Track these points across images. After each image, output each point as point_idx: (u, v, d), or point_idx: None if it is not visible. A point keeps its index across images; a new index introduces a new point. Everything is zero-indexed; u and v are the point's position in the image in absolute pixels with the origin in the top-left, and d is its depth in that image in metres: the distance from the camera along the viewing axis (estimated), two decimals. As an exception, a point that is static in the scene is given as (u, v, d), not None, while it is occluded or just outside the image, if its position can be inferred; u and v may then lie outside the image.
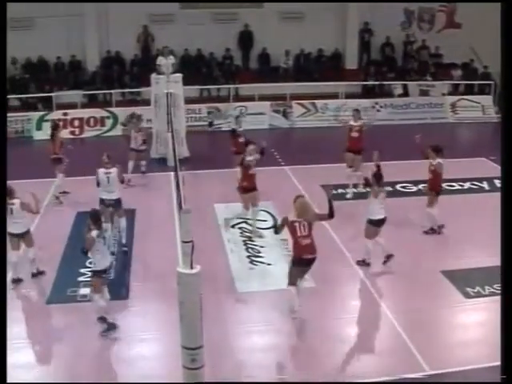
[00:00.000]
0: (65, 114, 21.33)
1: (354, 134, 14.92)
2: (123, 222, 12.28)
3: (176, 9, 24.25)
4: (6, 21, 9.07)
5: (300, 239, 9.43)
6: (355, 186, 14.90)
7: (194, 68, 23.78)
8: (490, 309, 10.14)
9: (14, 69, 22.43)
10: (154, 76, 18.05)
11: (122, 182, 12.39)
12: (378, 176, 11.48)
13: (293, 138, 21.04)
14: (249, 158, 12.42)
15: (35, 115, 21.26)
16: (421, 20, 26.85)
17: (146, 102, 19.79)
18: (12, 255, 10.57)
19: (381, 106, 23.59)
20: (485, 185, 15.93)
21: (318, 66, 25.36)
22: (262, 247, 12.27)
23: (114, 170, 11.95)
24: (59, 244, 12.19)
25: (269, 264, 11.59)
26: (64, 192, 14.74)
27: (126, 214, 12.40)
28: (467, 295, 10.46)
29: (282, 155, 17.70)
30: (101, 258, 9.30)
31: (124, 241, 12.28)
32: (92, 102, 23.00)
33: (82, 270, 11.14)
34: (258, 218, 13.27)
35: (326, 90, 23.78)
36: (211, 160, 17.89)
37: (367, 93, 24.99)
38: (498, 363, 8.47)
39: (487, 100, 24.52)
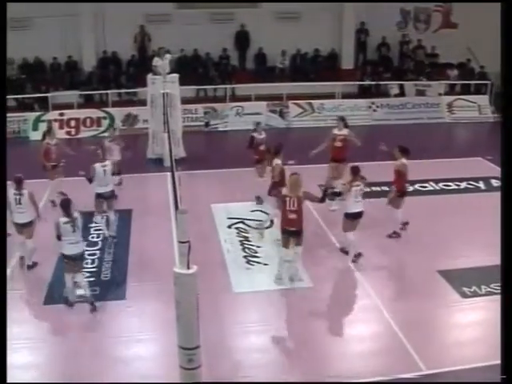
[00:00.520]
0: (61, 115, 21.31)
1: (338, 144, 14.14)
2: (113, 215, 12.81)
3: (172, 9, 24.25)
4: (5, 21, 9.07)
5: (287, 212, 10.45)
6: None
7: (191, 68, 23.76)
8: (486, 308, 10.18)
9: (10, 69, 22.35)
10: (150, 76, 18.02)
11: (114, 174, 13.00)
12: (354, 170, 11.63)
13: (289, 138, 20.97)
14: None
15: (31, 115, 21.24)
16: (417, 20, 26.89)
17: (143, 103, 19.78)
18: (28, 242, 11.15)
19: (377, 106, 23.63)
20: (481, 184, 15.94)
21: (314, 66, 25.38)
22: (258, 247, 12.26)
23: (108, 163, 12.60)
24: (55, 245, 12.14)
25: (265, 264, 11.58)
26: (61, 193, 14.65)
27: (122, 214, 12.48)
28: (464, 295, 10.48)
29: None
30: (68, 245, 9.86)
31: (113, 233, 12.75)
32: (88, 102, 22.99)
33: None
34: (254, 218, 13.32)
35: (322, 90, 23.78)
36: (208, 160, 17.88)
37: (363, 93, 25.02)
38: (495, 362, 8.50)
39: (483, 100, 24.55)
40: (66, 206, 9.91)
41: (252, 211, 13.92)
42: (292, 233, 10.54)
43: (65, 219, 9.81)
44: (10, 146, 11.60)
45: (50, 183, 14.32)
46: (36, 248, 11.31)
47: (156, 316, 9.78)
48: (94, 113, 21.67)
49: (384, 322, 9.67)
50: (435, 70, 25.71)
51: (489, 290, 10.59)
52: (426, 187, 15.66)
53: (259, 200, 14.16)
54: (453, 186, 15.81)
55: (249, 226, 13.26)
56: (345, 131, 14.25)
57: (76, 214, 9.98)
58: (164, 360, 8.58)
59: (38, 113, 21.37)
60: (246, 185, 15.29)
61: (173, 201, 11.42)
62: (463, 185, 15.92)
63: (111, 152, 14.44)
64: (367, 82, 25.17)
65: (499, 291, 10.49)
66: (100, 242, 12.51)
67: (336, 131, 14.30)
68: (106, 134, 15.93)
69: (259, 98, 22.97)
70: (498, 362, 8.49)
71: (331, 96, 23.72)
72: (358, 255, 11.60)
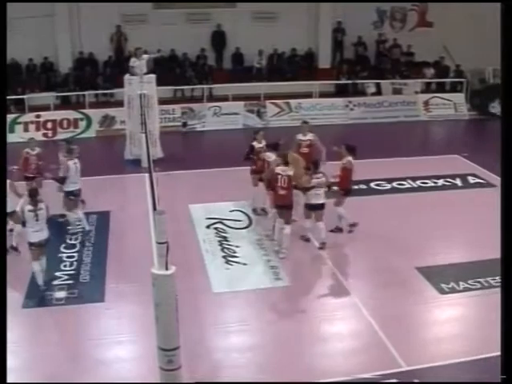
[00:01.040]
0: (37, 116, 21.11)
1: (304, 150, 13.50)
2: (81, 212, 12.96)
3: (149, 9, 24.13)
4: (5, 21, 8.96)
5: (278, 188, 11.51)
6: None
7: (168, 68, 23.68)
8: (464, 304, 10.28)
9: (-15, 71, 22.16)
10: (127, 77, 17.92)
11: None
12: (314, 163, 11.94)
13: (267, 137, 20.93)
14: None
15: (8, 118, 21.01)
16: (393, 19, 27.02)
17: (120, 104, 19.67)
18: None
19: (354, 105, 23.69)
20: (458, 181, 16.05)
21: (291, 66, 25.40)
22: (237, 247, 12.25)
23: (77, 161, 12.75)
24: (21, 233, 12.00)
25: (244, 264, 11.58)
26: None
27: (100, 215, 12.46)
28: (442, 291, 10.54)
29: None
30: (33, 233, 10.24)
31: (87, 228, 12.91)
32: (65, 103, 22.80)
33: (57, 274, 11.07)
34: (233, 218, 13.33)
35: (299, 89, 23.82)
36: (185, 160, 17.83)
37: (340, 92, 25.10)
38: (475, 357, 8.64)
39: (459, 98, 24.74)
40: (33, 194, 10.29)
41: (231, 211, 13.91)
42: (281, 207, 11.63)
43: (30, 207, 10.18)
44: (-15, 148, 11.45)
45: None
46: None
47: (135, 317, 9.73)
48: (70, 114, 21.47)
49: (363, 320, 9.71)
50: (411, 68, 25.88)
51: (466, 286, 10.67)
52: (403, 185, 15.73)
53: (258, 212, 13.68)
54: (430, 183, 15.91)
55: (227, 226, 13.24)
56: (310, 136, 13.75)
57: (42, 206, 10.27)
58: (144, 362, 8.53)
59: (14, 115, 21.14)
60: (224, 185, 15.32)
61: (151, 202, 11.37)
62: (440, 182, 16.02)
63: (29, 165, 13.38)
64: (344, 81, 25.25)
65: (477, 287, 10.63)
66: (78, 245, 12.42)
67: (301, 137, 13.69)
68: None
69: (237, 98, 22.94)
70: (478, 356, 8.66)
71: (308, 95, 23.76)
72: (323, 244, 12.01)
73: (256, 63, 25.24)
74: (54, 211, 11.85)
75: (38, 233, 10.29)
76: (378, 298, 10.33)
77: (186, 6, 24.14)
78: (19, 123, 20.40)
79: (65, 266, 11.43)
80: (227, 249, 12.22)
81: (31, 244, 10.35)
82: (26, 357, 8.94)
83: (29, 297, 10.43)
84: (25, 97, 21.74)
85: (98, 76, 23.62)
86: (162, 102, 19.96)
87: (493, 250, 11.75)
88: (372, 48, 26.56)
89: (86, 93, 22.36)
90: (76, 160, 12.69)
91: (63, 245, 12.29)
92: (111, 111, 21.46)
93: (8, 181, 11.05)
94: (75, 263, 11.64)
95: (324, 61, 26.20)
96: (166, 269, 7.03)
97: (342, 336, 9.49)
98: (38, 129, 20.76)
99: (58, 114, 21.42)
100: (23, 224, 10.31)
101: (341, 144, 12.81)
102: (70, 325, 9.60)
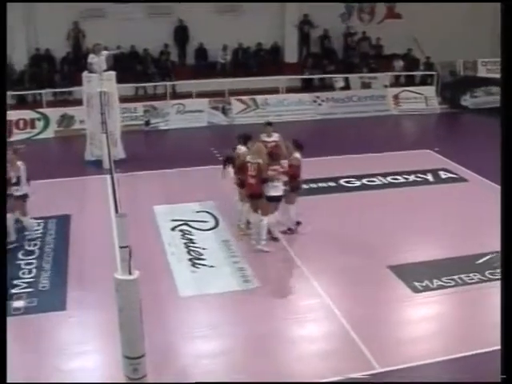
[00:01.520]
0: (-9, 117, 20.80)
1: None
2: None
3: (107, 3, 23.92)
4: (5, 21, 8.97)
5: (248, 177, 11.80)
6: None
7: (128, 65, 23.53)
8: (439, 302, 10.37)
9: None
10: (85, 74, 17.73)
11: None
12: (271, 156, 12.00)
13: (233, 135, 20.89)
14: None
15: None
16: (361, 11, 27.22)
17: (79, 102, 19.47)
18: None
19: (322, 100, 23.79)
20: (429, 177, 16.20)
21: (256, 61, 25.46)
22: (204, 249, 12.20)
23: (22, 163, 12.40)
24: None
25: (211, 266, 11.54)
26: None
27: (60, 220, 12.27)
28: (415, 289, 10.61)
29: (221, 153, 17.57)
30: None
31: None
32: (21, 103, 22.51)
33: (15, 282, 10.91)
34: (198, 219, 13.29)
35: (265, 84, 23.87)
36: (149, 160, 17.71)
37: (308, 87, 25.20)
38: (452, 356, 8.74)
39: (430, 91, 25.04)
40: None
41: (196, 212, 13.86)
42: (253, 197, 11.90)
43: None
44: None
45: None
46: None
47: (99, 325, 9.62)
48: (27, 114, 21.16)
49: (335, 321, 9.74)
50: (380, 61, 26.08)
51: (440, 283, 10.75)
52: (373, 181, 15.84)
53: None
54: (401, 179, 16.02)
55: (193, 227, 13.20)
56: (275, 137, 13.42)
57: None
58: (109, 371, 8.43)
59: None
60: (189, 185, 15.29)
61: (113, 204, 11.28)
62: (411, 178, 16.14)
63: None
64: (312, 76, 25.36)
65: (451, 284, 10.74)
66: (37, 251, 12.26)
67: (265, 138, 13.26)
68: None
69: (201, 95, 22.90)
70: (456, 355, 8.75)
71: (275, 91, 23.82)
72: (275, 239, 12.35)
73: (220, 58, 25.27)
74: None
75: None
76: (350, 298, 10.38)
77: (146, -1, 24.06)
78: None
79: (23, 273, 11.27)
80: (193, 251, 12.17)
81: None
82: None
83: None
84: (-23, 97, 21.41)
85: (56, 73, 23.37)
86: (124, 100, 19.81)
87: (467, 246, 11.99)
88: (340, 41, 26.73)
89: (42, 91, 22.08)
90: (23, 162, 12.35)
91: (21, 251, 12.13)
92: (70, 110, 21.23)
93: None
94: (34, 270, 11.47)
95: (290, 55, 26.32)
96: (130, 273, 6.98)
97: (314, 338, 9.51)
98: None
99: (14, 114, 21.00)
100: None
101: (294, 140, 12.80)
102: (29, 335, 9.45)
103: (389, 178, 16.00)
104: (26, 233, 12.71)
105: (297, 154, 12.41)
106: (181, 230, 13.09)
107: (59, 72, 23.51)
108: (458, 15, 26.10)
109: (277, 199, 12.06)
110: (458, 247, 11.99)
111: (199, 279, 11.14)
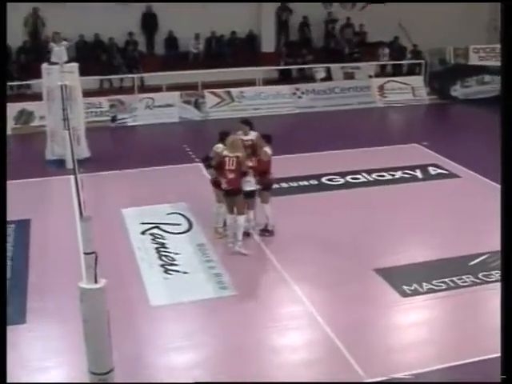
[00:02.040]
0: None
1: (247, 151, 12.64)
2: None
3: (70, -12, 23.83)
4: (5, 21, 9.03)
5: (226, 172, 11.75)
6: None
7: (92, 56, 23.44)
8: (429, 307, 10.43)
9: None
10: (45, 66, 17.61)
11: None
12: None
13: (207, 131, 20.98)
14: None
15: None
16: (343, -4, 27.28)
17: (38, 97, 19.35)
18: None
19: (302, 93, 23.86)
20: (418, 173, 16.29)
21: (231, 50, 25.47)
22: (176, 254, 12.18)
23: None
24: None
25: (185, 272, 11.52)
26: None
27: (19, 225, 12.19)
28: (404, 293, 10.66)
29: (195, 151, 17.62)
30: None
31: None
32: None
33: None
34: (170, 222, 13.29)
35: (241, 76, 23.90)
36: (116, 159, 17.65)
37: (286, 78, 25.24)
38: (446, 365, 8.77)
39: (418, 81, 25.19)
40: None
41: (168, 214, 13.84)
42: (229, 192, 11.89)
43: None
44: None
45: None
46: None
47: (63, 339, 9.57)
48: (-20, 110, 21.05)
49: (319, 329, 9.76)
50: (364, 49, 26.17)
51: (430, 287, 10.80)
52: (358, 179, 15.90)
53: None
54: (387, 176, 16.10)
55: (165, 230, 13.18)
56: (252, 135, 13.14)
57: None
58: (74, 388, 8.43)
59: None
60: (160, 185, 15.24)
61: (77, 207, 11.23)
62: (398, 174, 16.22)
63: None
64: (290, 67, 25.40)
65: (442, 288, 10.80)
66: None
67: (242, 136, 12.93)
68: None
69: (171, 88, 22.87)
70: (449, 364, 8.80)
71: (251, 83, 23.85)
72: (248, 234, 12.59)
73: (192, 48, 25.27)
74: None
75: None
76: (334, 304, 10.41)
77: (111, -16, 23.95)
78: None
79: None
80: (165, 256, 12.14)
81: None
82: None
83: None
84: None
85: (12, 64, 23.16)
86: (87, 94, 19.72)
87: (459, 247, 12.07)
88: (321, 28, 26.79)
89: (-3, 85, 21.91)
90: None
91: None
92: (28, 105, 21.09)
93: None
94: (-9, 280, 11.40)
95: (267, 44, 26.36)
96: (95, 282, 6.94)
97: (296, 347, 9.52)
98: None
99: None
100: None
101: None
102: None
103: (374, 175, 16.07)
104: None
105: (266, 149, 12.41)
106: (151, 234, 13.06)
107: (15, 63, 23.31)
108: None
109: (252, 195, 12.20)
110: (449, 248, 12.08)
111: (172, 287, 11.12)
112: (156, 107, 22.26)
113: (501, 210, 6.51)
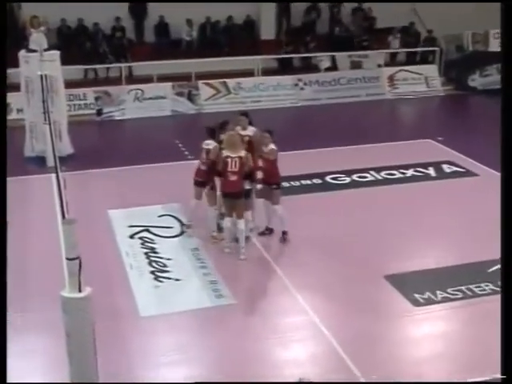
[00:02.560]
0: None
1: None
2: None
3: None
4: (6, 21, 9.12)
5: (228, 174, 11.85)
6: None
7: (75, 43, 23.43)
8: (443, 317, 10.45)
9: None
10: (22, 54, 17.53)
11: None
12: None
13: (201, 125, 20.95)
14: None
15: None
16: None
17: (15, 87, 19.30)
18: None
19: (305, 84, 23.85)
20: (431, 171, 16.31)
21: (227, 37, 25.45)
22: (168, 260, 12.19)
23: None
24: None
25: (177, 279, 11.53)
26: None
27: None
28: (416, 303, 10.68)
29: (188, 147, 17.64)
30: None
31: None
32: None
33: None
34: (161, 225, 13.29)
35: (238, 66, 23.93)
36: (102, 156, 17.67)
37: (287, 68, 25.21)
38: (460, 380, 8.76)
39: (432, 70, 25.13)
40: None
41: (159, 216, 13.85)
42: (232, 195, 11.96)
43: None
44: None
45: None
46: None
47: (45, 354, 9.58)
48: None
49: (324, 341, 9.77)
50: (373, 36, 26.11)
51: (445, 295, 10.82)
52: (365, 177, 15.95)
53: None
54: (398, 174, 16.12)
55: (155, 234, 13.18)
56: (250, 130, 13.19)
57: None
58: (56, 407, 8.43)
59: None
60: (150, 185, 15.24)
61: (59, 209, 11.22)
62: (410, 172, 16.24)
63: None
64: (292, 55, 25.38)
65: (458, 296, 10.80)
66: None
67: (239, 130, 13.00)
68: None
69: (162, 79, 22.91)
70: (467, 380, 8.78)
71: (249, 73, 23.88)
72: (246, 238, 12.45)
73: (185, 35, 25.24)
74: None
75: None
76: (341, 314, 10.40)
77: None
78: None
79: None
80: (156, 262, 12.15)
81: None
82: None
83: None
84: None
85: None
86: (70, 84, 19.73)
87: (477, 252, 12.05)
88: (326, 13, 26.75)
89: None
90: None
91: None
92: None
93: None
94: (-34, 289, 11.40)
95: (267, 30, 26.34)
96: (79, 290, 6.93)
97: (300, 362, 9.52)
98: None
99: None
100: None
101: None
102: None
103: (383, 174, 16.09)
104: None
105: (272, 146, 12.42)
106: (141, 238, 13.07)
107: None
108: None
109: (248, 194, 12.33)
110: (466, 253, 12.08)
111: (163, 295, 11.13)
112: (146, 99, 22.27)
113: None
